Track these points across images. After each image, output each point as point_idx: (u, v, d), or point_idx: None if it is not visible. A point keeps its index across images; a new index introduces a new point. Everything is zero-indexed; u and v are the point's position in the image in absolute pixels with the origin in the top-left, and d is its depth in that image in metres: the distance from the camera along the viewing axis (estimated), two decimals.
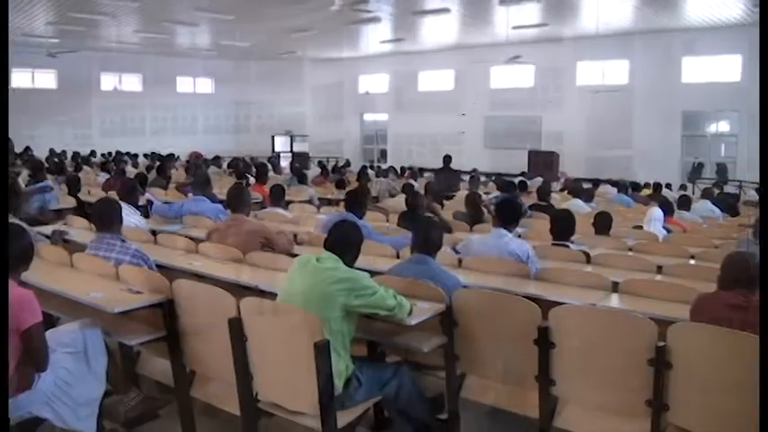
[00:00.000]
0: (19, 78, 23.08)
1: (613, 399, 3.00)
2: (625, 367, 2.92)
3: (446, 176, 12.92)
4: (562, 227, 5.55)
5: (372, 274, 3.36)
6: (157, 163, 14.87)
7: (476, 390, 3.52)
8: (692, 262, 5.51)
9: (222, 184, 10.69)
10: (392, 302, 3.17)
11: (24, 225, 4.03)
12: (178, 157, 17.93)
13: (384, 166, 19.04)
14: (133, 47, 21.94)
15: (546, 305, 3.20)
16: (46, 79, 23.51)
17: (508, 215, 5.21)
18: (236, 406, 3.16)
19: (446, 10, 15.64)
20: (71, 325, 3.42)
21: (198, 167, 13.02)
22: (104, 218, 4.39)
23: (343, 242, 3.40)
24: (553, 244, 5.47)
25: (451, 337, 3.40)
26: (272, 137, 26.93)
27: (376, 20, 16.99)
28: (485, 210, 8.01)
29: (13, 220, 4.90)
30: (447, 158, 13.28)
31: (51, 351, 3.13)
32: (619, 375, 2.95)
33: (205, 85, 27.73)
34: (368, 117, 28.19)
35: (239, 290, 3.88)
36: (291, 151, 26.27)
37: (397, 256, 5.19)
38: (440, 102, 24.32)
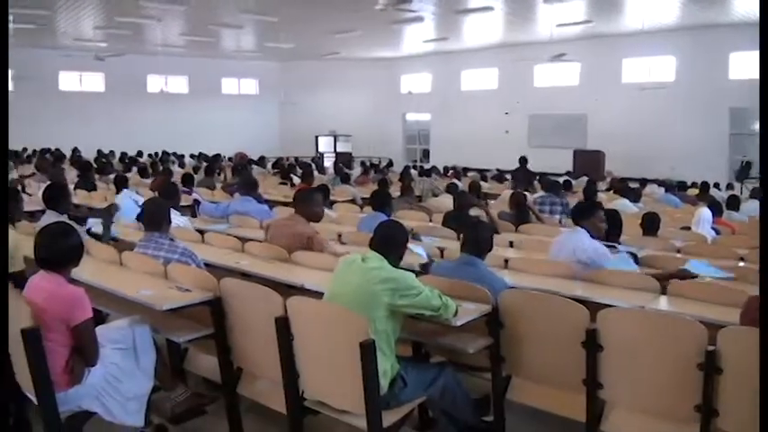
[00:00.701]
0: (68, 81, 23.71)
1: (661, 403, 2.93)
2: (674, 372, 2.84)
3: (524, 176, 13.03)
4: (610, 227, 5.45)
5: (417, 274, 3.35)
6: (204, 163, 15.12)
7: (521, 392, 3.49)
8: (742, 264, 5.36)
9: (267, 185, 10.82)
10: (437, 303, 3.15)
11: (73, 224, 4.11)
12: (224, 157, 18.18)
13: (427, 166, 19.00)
14: (179, 50, 22.32)
15: (593, 307, 3.15)
16: (94, 82, 24.08)
17: (583, 214, 5.11)
18: (283, 404, 3.19)
19: (489, 8, 15.52)
20: (121, 322, 3.49)
21: (244, 168, 13.17)
22: (153, 217, 4.49)
23: (388, 241, 3.39)
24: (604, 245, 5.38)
25: (497, 339, 3.38)
26: (316, 137, 27.13)
27: (419, 19, 16.96)
28: (530, 210, 7.94)
29: (60, 218, 5.02)
30: (523, 159, 13.33)
31: (101, 347, 3.21)
32: (667, 380, 2.88)
33: (250, 87, 28.08)
34: (410, 117, 28.17)
35: (285, 289, 3.92)
36: (335, 151, 26.42)
37: None
38: (483, 101, 24.18)
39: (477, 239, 4.01)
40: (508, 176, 15.28)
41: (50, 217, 5.12)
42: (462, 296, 3.41)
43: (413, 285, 3.14)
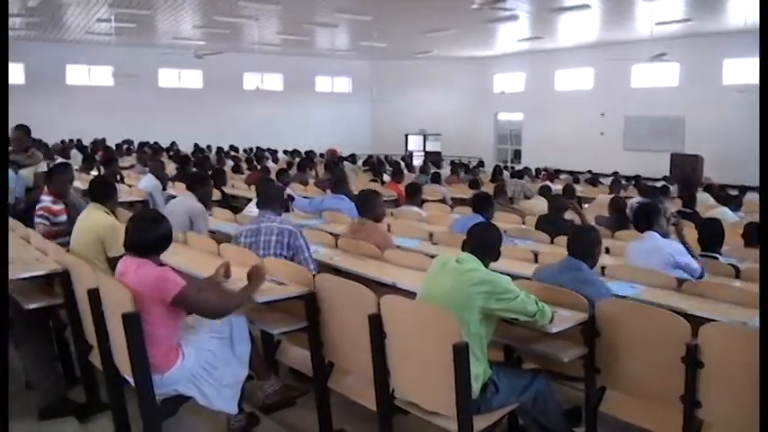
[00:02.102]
0: (167, 78, 24.67)
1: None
2: None
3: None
4: (710, 237, 5.24)
5: (514, 277, 3.30)
6: (297, 159, 15.40)
7: (615, 405, 3.36)
8: None
9: (358, 182, 10.92)
10: (533, 308, 3.09)
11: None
12: (316, 154, 18.49)
13: (518, 167, 18.74)
14: (275, 48, 22.84)
15: (693, 321, 3.01)
16: (192, 79, 24.96)
17: (650, 217, 4.97)
18: (373, 401, 3.20)
19: (586, 6, 15.17)
20: None
21: (335, 165, 13.35)
22: (268, 197, 4.84)
23: (483, 243, 3.36)
24: (701, 255, 5.17)
25: (593, 349, 3.28)
26: (406, 136, 27.23)
27: (514, 18, 16.74)
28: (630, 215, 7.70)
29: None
30: None
31: (198, 333, 3.35)
32: None
33: (343, 85, 28.44)
34: (502, 116, 27.87)
35: (377, 286, 3.95)
36: (424, 150, 26.44)
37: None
38: (578, 101, 23.66)
39: (582, 242, 3.92)
40: (602, 180, 14.89)
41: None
42: (559, 302, 3.33)
43: (509, 289, 3.10)
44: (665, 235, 4.92)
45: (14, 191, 7.05)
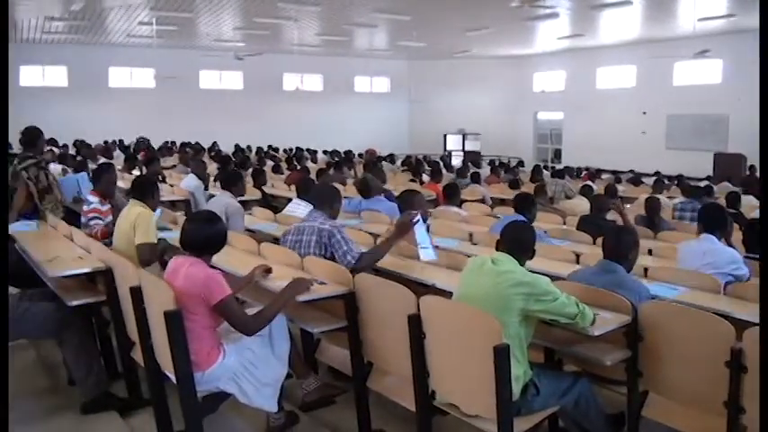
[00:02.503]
0: (208, 80, 25.01)
1: None
2: None
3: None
4: (756, 238, 5.11)
5: (553, 278, 3.25)
6: (336, 159, 15.46)
7: (658, 410, 3.29)
8: None
9: (397, 182, 10.91)
10: (573, 310, 3.04)
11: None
12: (355, 154, 18.56)
13: (558, 167, 18.53)
14: (314, 49, 22.98)
15: (738, 324, 2.93)
16: (233, 80, 25.24)
17: (715, 221, 4.86)
18: (412, 401, 3.18)
19: (628, 2, 14.95)
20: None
21: (374, 165, 13.37)
22: (321, 196, 4.87)
23: (518, 243, 3.33)
24: (745, 257, 5.03)
25: (636, 352, 3.22)
26: (445, 135, 27.14)
27: (554, 15, 16.58)
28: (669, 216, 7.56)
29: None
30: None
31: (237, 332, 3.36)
32: None
33: (381, 85, 28.49)
34: (542, 115, 27.62)
35: (417, 287, 3.93)
36: (463, 150, 26.33)
37: None
38: (619, 99, 23.31)
39: (617, 245, 3.85)
40: (645, 180, 14.64)
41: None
42: (601, 304, 3.27)
43: (548, 290, 3.06)
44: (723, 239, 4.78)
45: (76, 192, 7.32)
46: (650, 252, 5.90)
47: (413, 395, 3.18)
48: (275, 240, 5.39)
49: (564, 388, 3.18)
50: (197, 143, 19.63)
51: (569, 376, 3.36)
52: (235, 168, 10.15)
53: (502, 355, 2.73)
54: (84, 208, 5.73)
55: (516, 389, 2.96)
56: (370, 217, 7.04)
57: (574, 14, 17.30)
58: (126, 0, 15.45)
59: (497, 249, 3.35)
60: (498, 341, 2.75)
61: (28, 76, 21.83)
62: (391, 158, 17.77)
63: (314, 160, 17.71)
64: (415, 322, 3.09)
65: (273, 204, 8.71)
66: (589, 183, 12.50)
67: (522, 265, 3.23)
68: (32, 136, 6.43)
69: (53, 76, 22.51)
